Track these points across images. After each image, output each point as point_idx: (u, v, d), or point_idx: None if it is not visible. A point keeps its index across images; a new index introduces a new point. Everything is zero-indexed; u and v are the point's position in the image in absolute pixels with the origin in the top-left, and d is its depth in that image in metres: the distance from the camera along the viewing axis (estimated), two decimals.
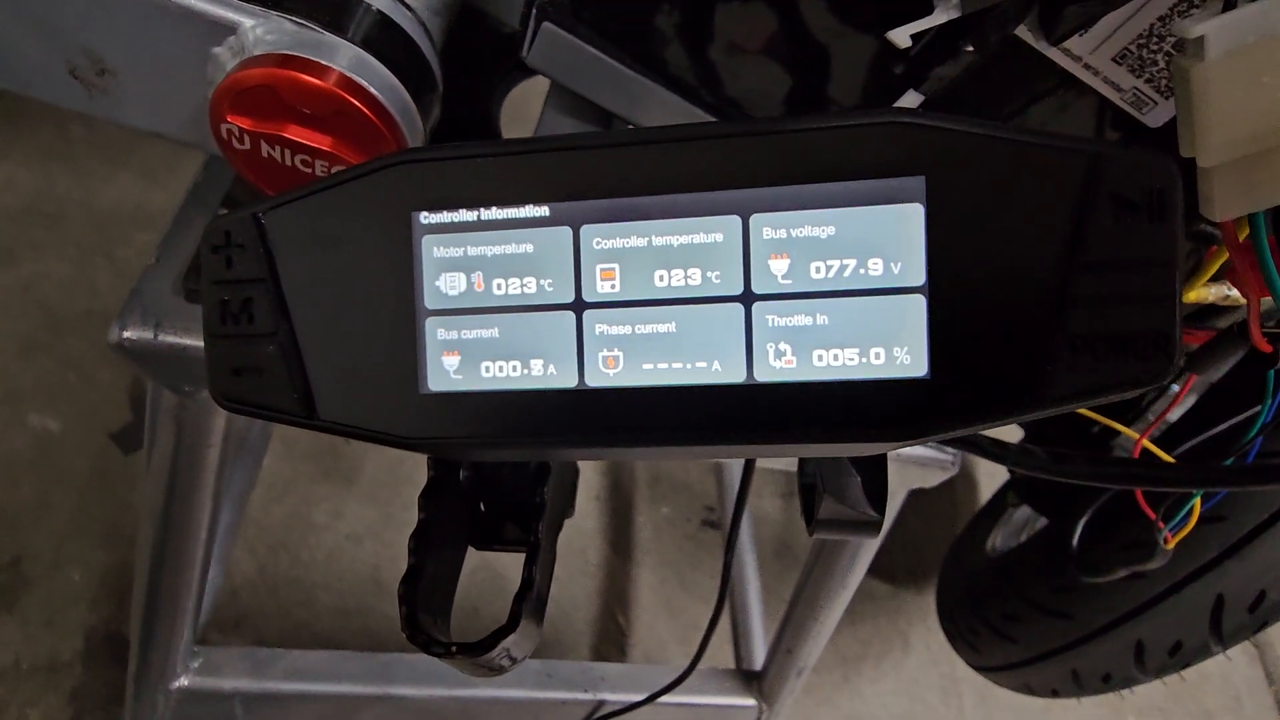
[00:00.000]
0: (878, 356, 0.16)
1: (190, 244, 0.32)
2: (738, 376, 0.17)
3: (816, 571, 0.54)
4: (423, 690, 0.61)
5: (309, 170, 0.25)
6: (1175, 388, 0.68)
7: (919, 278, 0.16)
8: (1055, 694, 0.75)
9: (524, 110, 0.48)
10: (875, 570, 1.16)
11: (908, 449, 0.39)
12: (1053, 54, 0.26)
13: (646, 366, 0.17)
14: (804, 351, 0.16)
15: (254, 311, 0.18)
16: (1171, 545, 0.41)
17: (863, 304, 0.16)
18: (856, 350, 0.16)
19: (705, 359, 0.17)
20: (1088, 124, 0.29)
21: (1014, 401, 0.15)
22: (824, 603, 0.54)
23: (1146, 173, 0.15)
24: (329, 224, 0.18)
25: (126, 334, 0.30)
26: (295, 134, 0.24)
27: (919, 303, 0.16)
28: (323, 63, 0.24)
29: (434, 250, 0.18)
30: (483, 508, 0.25)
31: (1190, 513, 0.38)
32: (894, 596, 1.12)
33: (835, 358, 0.16)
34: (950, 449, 0.40)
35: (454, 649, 0.19)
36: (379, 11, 0.26)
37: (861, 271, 0.16)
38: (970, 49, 0.20)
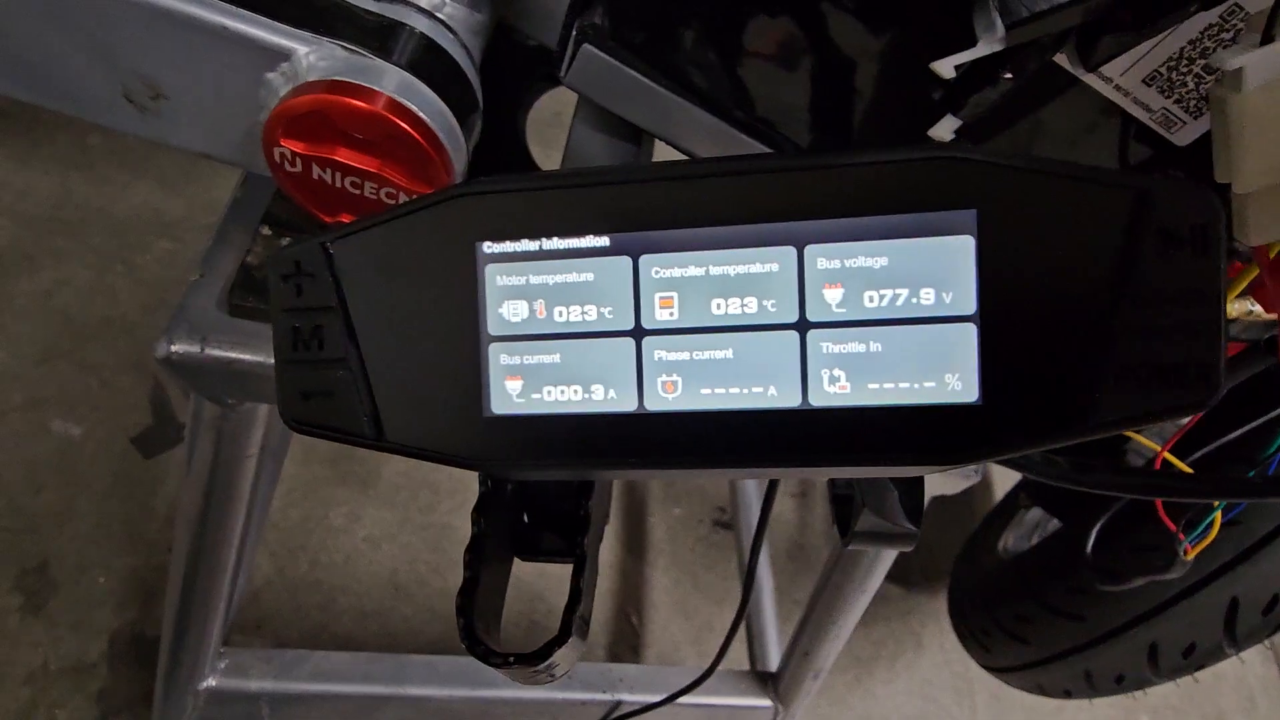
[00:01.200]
0: (930, 383, 0.17)
1: (232, 260, 0.33)
2: (793, 401, 0.17)
3: (836, 575, 0.54)
4: (443, 691, 0.61)
5: (358, 191, 0.26)
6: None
7: (970, 307, 0.16)
8: (1068, 694, 0.75)
9: (542, 116, 0.48)
10: (889, 572, 1.17)
11: None
12: (1086, 78, 0.26)
13: (704, 391, 0.18)
14: (858, 378, 0.17)
15: (324, 338, 0.18)
16: (1191, 556, 0.41)
17: (915, 332, 0.17)
18: (909, 377, 0.17)
19: (761, 384, 0.17)
20: (1114, 141, 0.30)
21: (1062, 427, 0.16)
22: (842, 607, 0.55)
23: (1191, 208, 0.15)
24: (395, 253, 0.18)
25: (174, 348, 0.30)
26: (346, 157, 0.25)
27: (970, 331, 0.16)
28: (372, 87, 0.25)
29: (497, 279, 0.18)
30: (526, 519, 0.25)
31: (1211, 524, 0.39)
32: (907, 597, 1.13)
33: (888, 384, 0.17)
34: None
35: (511, 660, 0.20)
36: (423, 35, 0.27)
37: (914, 301, 0.17)
38: (1009, 76, 0.21)
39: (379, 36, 0.26)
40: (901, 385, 0.17)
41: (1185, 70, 0.26)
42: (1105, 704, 1.07)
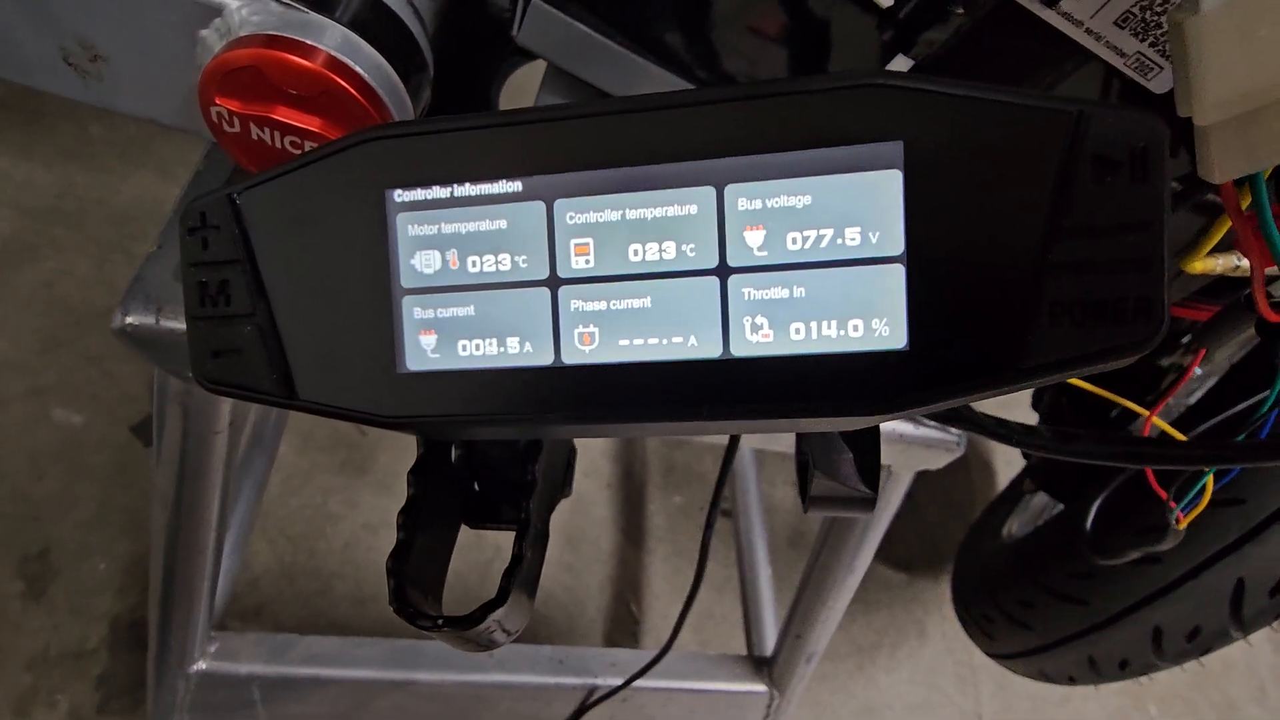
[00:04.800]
0: (856, 328, 0.16)
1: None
2: (714, 351, 0.16)
3: (824, 556, 0.54)
4: (436, 675, 0.61)
5: (299, 151, 0.25)
6: (1199, 370, 0.66)
7: (898, 247, 0.16)
8: (1072, 681, 0.74)
9: (527, 98, 0.47)
10: (891, 559, 1.15)
11: (911, 430, 0.39)
12: (1051, 18, 0.25)
13: (623, 342, 0.17)
14: (781, 325, 0.16)
15: (231, 293, 0.18)
16: (1183, 526, 0.40)
17: (840, 275, 0.16)
18: (835, 322, 0.16)
19: (681, 334, 0.16)
20: (1092, 92, 0.29)
21: (994, 372, 0.15)
22: (831, 587, 0.54)
23: (1130, 130, 0.14)
24: (303, 203, 0.18)
25: (129, 319, 0.30)
26: (283, 115, 0.24)
27: (898, 272, 0.16)
28: (309, 43, 0.24)
29: (408, 228, 0.17)
30: (476, 487, 0.25)
31: (1202, 492, 0.37)
32: (910, 585, 1.11)
33: (813, 330, 0.16)
34: (954, 429, 0.39)
35: (441, 622, 0.19)
36: None
37: (839, 241, 0.16)
38: (960, 10, 0.20)
39: None
40: (826, 332, 0.16)
41: (1160, 10, 0.25)
42: (1113, 693, 1.05)
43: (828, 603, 0.54)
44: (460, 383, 0.17)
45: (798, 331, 0.16)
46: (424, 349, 0.18)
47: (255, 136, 0.25)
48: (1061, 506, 0.78)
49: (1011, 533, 0.89)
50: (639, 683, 0.62)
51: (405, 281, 0.18)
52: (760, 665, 0.69)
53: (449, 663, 0.61)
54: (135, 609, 0.85)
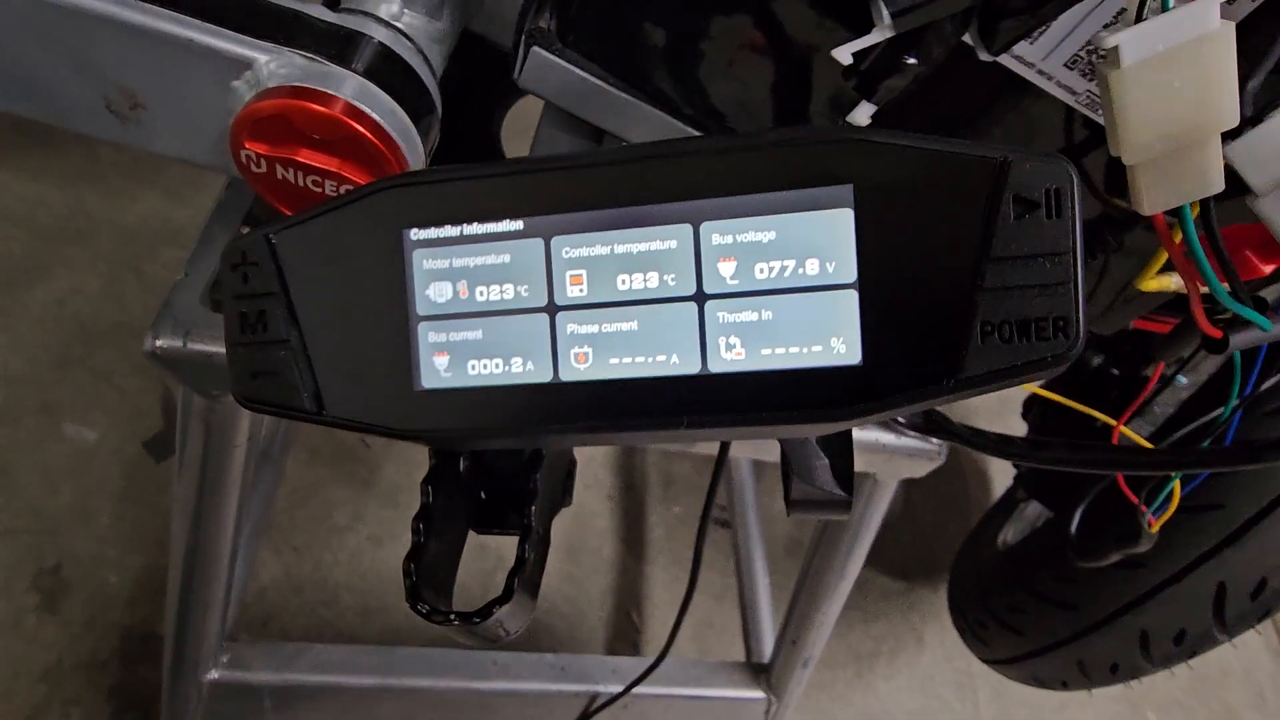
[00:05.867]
0: (816, 347, 0.18)
1: (215, 260, 0.35)
2: (693, 368, 0.19)
3: (816, 563, 0.55)
4: (441, 682, 0.63)
5: (319, 190, 0.28)
6: (1185, 379, 0.68)
7: (851, 275, 0.18)
8: (1065, 686, 0.75)
9: (528, 124, 0.50)
10: (889, 567, 1.17)
11: (893, 440, 0.41)
12: (1005, 60, 0.27)
13: (613, 361, 0.19)
14: (752, 344, 0.18)
15: (268, 321, 0.20)
16: (1155, 529, 0.42)
17: (802, 300, 0.18)
18: (798, 342, 0.18)
19: (664, 353, 0.19)
20: (1056, 129, 0.31)
21: (936, 384, 0.17)
22: (825, 592, 0.56)
23: (1046, 174, 0.16)
24: (331, 241, 0.20)
25: (159, 343, 0.32)
26: (307, 157, 0.27)
27: (851, 297, 0.18)
28: (330, 92, 0.27)
29: (423, 263, 0.20)
30: (483, 496, 0.27)
31: (1171, 496, 0.39)
32: (908, 593, 1.13)
33: (780, 349, 0.18)
34: (935, 439, 0.41)
35: (453, 617, 0.21)
36: (380, 44, 0.29)
37: (800, 271, 0.18)
38: (913, 61, 0.22)
39: (337, 45, 0.28)
40: (791, 350, 0.18)
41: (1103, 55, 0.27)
42: (1110, 699, 1.06)
43: (821, 607, 0.56)
44: (470, 399, 0.20)
45: (766, 350, 0.18)
46: (437, 369, 0.20)
47: (280, 176, 0.27)
48: (1051, 514, 0.80)
49: (1006, 540, 0.91)
50: (639, 690, 0.63)
51: (421, 309, 0.20)
52: (758, 671, 0.70)
53: (454, 670, 0.63)
54: (147, 621, 0.87)
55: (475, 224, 0.19)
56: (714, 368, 0.19)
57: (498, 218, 0.19)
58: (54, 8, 0.25)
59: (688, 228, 0.18)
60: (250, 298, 0.20)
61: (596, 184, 0.19)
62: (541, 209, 0.19)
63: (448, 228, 0.20)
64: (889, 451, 0.40)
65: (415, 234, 0.20)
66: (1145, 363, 0.67)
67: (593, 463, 1.13)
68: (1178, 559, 0.59)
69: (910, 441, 0.40)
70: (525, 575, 0.24)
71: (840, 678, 1.00)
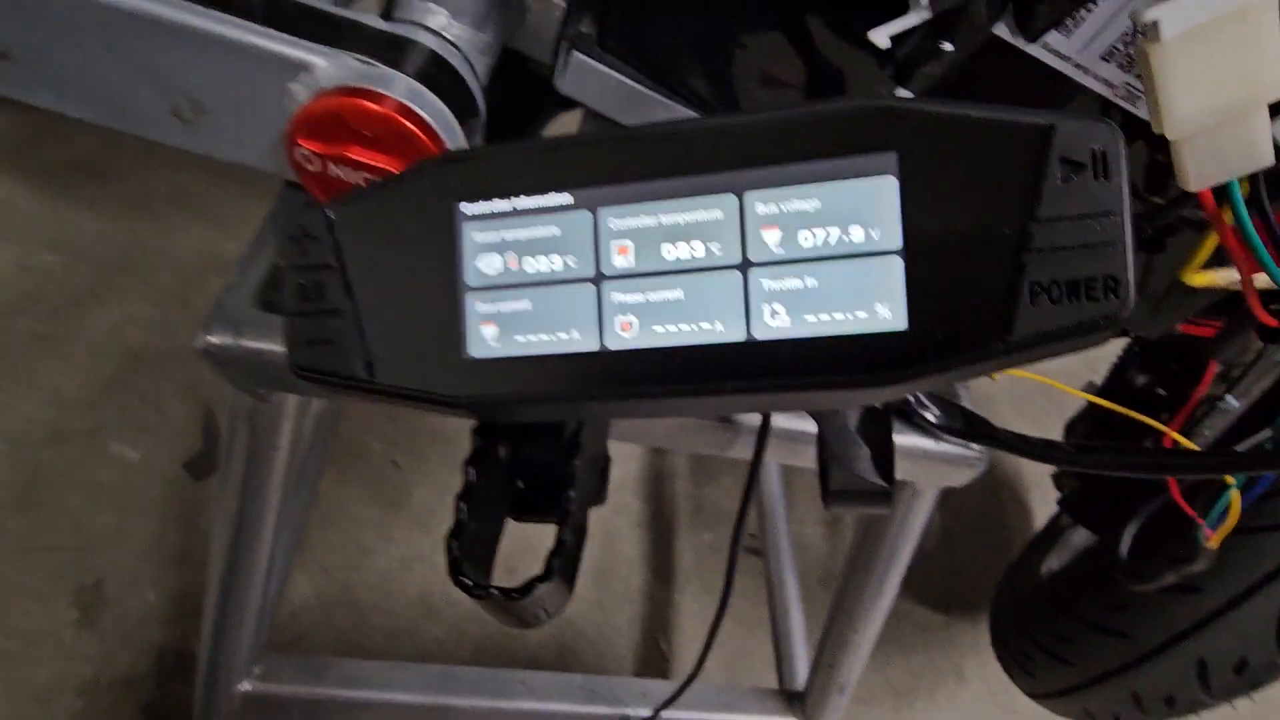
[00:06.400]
0: (862, 313, 0.18)
1: (264, 264, 0.36)
2: (738, 335, 0.19)
3: (853, 581, 0.54)
4: (471, 701, 0.62)
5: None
6: (1234, 401, 0.66)
7: (896, 242, 0.18)
8: None
9: None
10: (926, 599, 1.13)
11: (933, 445, 0.40)
12: (1041, 54, 0.28)
13: (658, 329, 0.19)
14: (796, 311, 0.19)
15: (325, 292, 0.21)
16: (1214, 544, 0.40)
17: (847, 267, 0.18)
18: (843, 308, 0.18)
19: (709, 320, 0.19)
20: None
21: (984, 347, 0.17)
22: (862, 611, 0.54)
23: (1091, 136, 0.17)
24: (386, 217, 0.21)
25: (211, 339, 0.34)
26: (359, 154, 0.28)
27: (897, 264, 0.18)
28: (383, 92, 0.28)
29: (474, 235, 0.20)
30: (521, 485, 0.27)
31: (1229, 506, 0.38)
32: (947, 626, 1.09)
33: (824, 316, 0.18)
34: (976, 445, 0.40)
35: (494, 591, 0.21)
36: (430, 50, 0.30)
37: (845, 238, 0.18)
38: (949, 47, 0.23)
39: (390, 49, 0.29)
40: (836, 316, 0.18)
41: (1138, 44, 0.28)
42: None
43: (858, 627, 0.55)
44: (517, 367, 0.20)
45: (811, 317, 0.18)
46: (485, 338, 0.20)
47: (333, 174, 0.29)
48: (1096, 540, 0.77)
49: (1050, 569, 0.88)
50: (669, 713, 0.62)
51: (470, 280, 0.20)
52: (792, 699, 0.68)
53: (485, 689, 0.62)
54: (182, 639, 0.88)
55: (525, 198, 0.20)
56: (758, 334, 0.19)
57: (547, 191, 0.20)
58: (128, 16, 0.27)
59: (732, 197, 0.19)
60: (309, 269, 0.21)
61: (643, 156, 0.19)
62: (589, 181, 0.20)
63: (498, 201, 0.20)
64: (929, 458, 0.39)
65: (467, 208, 0.20)
66: (1193, 382, 0.65)
67: (621, 489, 1.12)
68: (1237, 582, 0.56)
69: (950, 448, 0.39)
70: (564, 560, 0.24)
71: (877, 713, 0.97)
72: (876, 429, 0.25)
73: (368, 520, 0.99)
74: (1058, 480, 0.78)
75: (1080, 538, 0.87)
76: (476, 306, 0.20)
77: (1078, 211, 0.16)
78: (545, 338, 0.20)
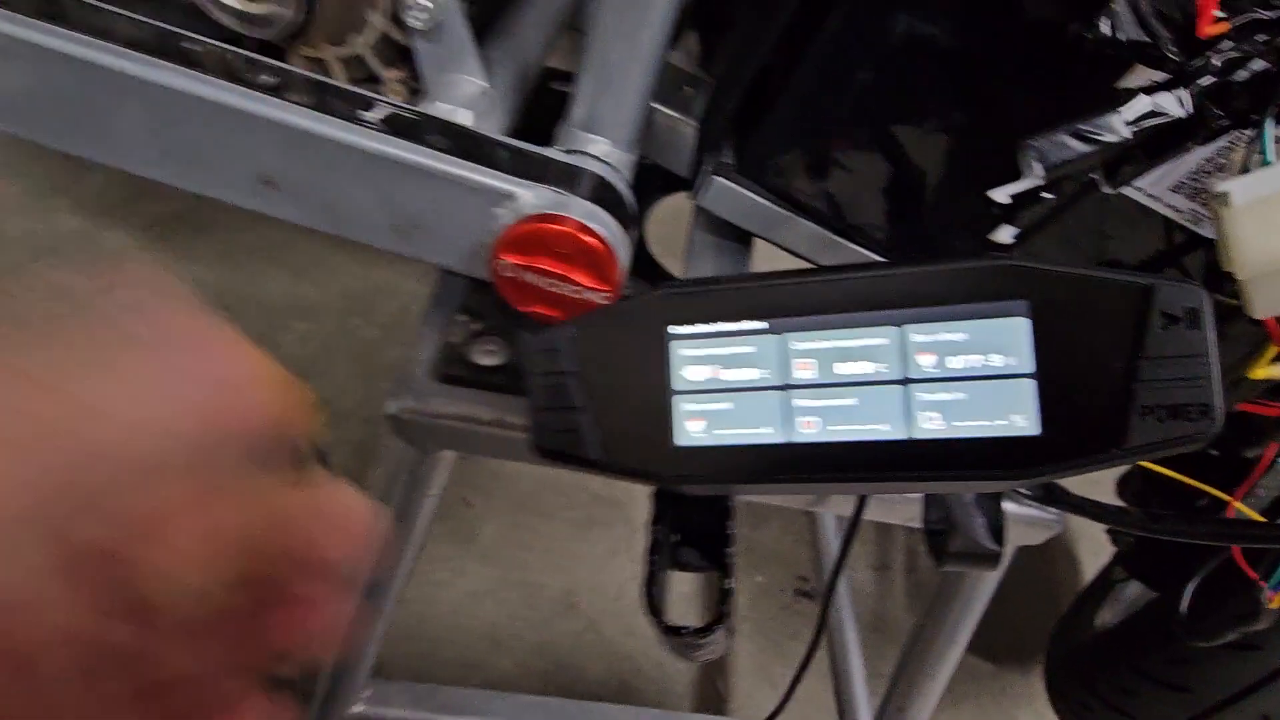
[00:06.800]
0: (1002, 421, 0.23)
1: (436, 340, 0.43)
2: (901, 435, 0.24)
3: (928, 629, 0.58)
4: None
5: (554, 289, 0.35)
6: None
7: (1029, 367, 0.23)
8: None
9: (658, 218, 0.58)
10: (975, 647, 1.14)
11: (1014, 508, 0.45)
12: (1124, 189, 0.33)
13: (834, 428, 0.25)
14: (948, 418, 0.24)
15: (566, 392, 0.27)
16: (1276, 605, 0.43)
17: (989, 385, 0.24)
18: (986, 417, 0.24)
19: (876, 423, 0.25)
20: (1160, 235, 0.37)
21: (1103, 453, 0.22)
22: (934, 660, 0.58)
23: (1184, 297, 0.22)
24: (615, 333, 0.27)
25: (400, 407, 0.40)
26: (549, 265, 0.35)
27: (1031, 385, 0.23)
28: (569, 216, 0.35)
29: (682, 351, 0.26)
30: (678, 539, 0.33)
31: None
32: (997, 676, 1.10)
33: (971, 422, 0.24)
34: (1053, 509, 0.45)
35: (684, 630, 0.27)
36: (597, 175, 0.37)
37: (987, 363, 0.24)
38: (1050, 196, 0.28)
39: (569, 178, 0.36)
40: (981, 422, 0.24)
41: (1203, 180, 0.33)
42: None
43: (931, 674, 0.58)
44: (718, 454, 0.26)
45: (960, 422, 0.24)
46: (691, 431, 0.26)
47: (525, 280, 0.35)
48: (1154, 594, 0.79)
49: (1104, 622, 0.89)
50: None
51: (678, 386, 0.26)
52: None
53: (569, 717, 0.67)
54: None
55: (725, 323, 0.26)
56: (917, 435, 0.24)
57: (744, 319, 0.26)
58: (379, 159, 0.34)
59: (895, 329, 0.25)
60: (554, 374, 0.27)
61: (821, 295, 0.25)
62: (779, 313, 0.25)
63: (702, 325, 0.26)
64: (1011, 519, 0.44)
65: (675, 329, 0.26)
66: (1245, 445, 0.69)
67: None
68: None
69: (1031, 511, 0.44)
70: (729, 608, 0.29)
71: None
72: (990, 500, 0.30)
73: (440, 555, 1.05)
74: (1114, 535, 0.81)
75: (1134, 591, 0.89)
76: (684, 406, 0.26)
77: (1175, 353, 0.22)
78: (741, 432, 0.26)
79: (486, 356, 0.42)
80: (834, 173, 0.36)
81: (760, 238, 0.41)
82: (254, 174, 0.34)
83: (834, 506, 0.48)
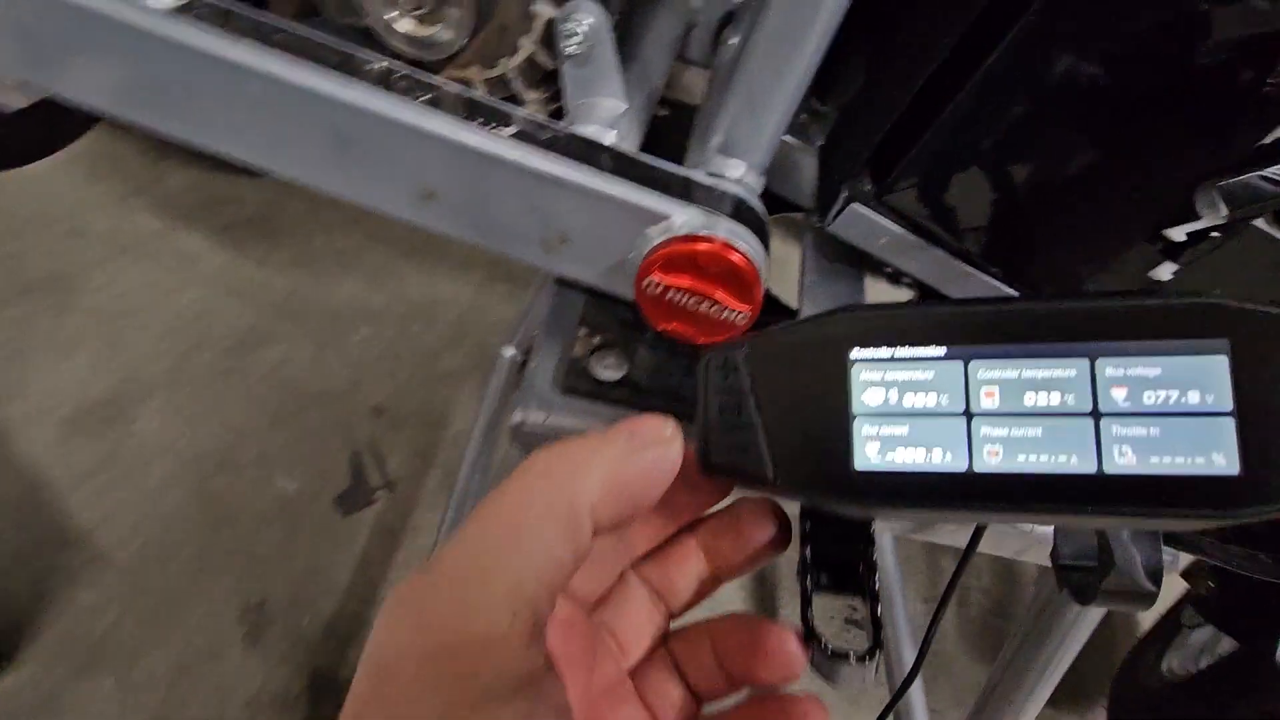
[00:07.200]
0: (1200, 459, 0.23)
1: (557, 352, 0.44)
2: (1090, 469, 0.24)
3: (1016, 663, 0.57)
4: None
5: (698, 307, 0.36)
6: None
7: (1228, 406, 0.23)
8: None
9: None
10: None
11: None
12: (1273, 230, 0.33)
13: (1020, 458, 0.25)
14: (1142, 454, 0.24)
15: (740, 410, 0.27)
16: None
17: (1186, 422, 0.24)
18: (1183, 454, 0.23)
19: (1064, 455, 0.24)
20: None
21: None
22: (1022, 696, 0.57)
23: None
24: (791, 353, 0.27)
25: (525, 419, 0.41)
26: (694, 283, 0.35)
27: (1230, 423, 0.23)
28: (715, 236, 0.35)
29: (861, 374, 0.27)
30: (808, 556, 0.33)
31: None
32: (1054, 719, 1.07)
33: (1166, 459, 0.24)
34: (1171, 549, 0.44)
35: (848, 653, 0.27)
36: (739, 197, 0.38)
37: (1183, 400, 0.24)
38: (1218, 235, 0.28)
39: (715, 199, 0.37)
40: (1177, 460, 0.23)
41: None
42: None
43: (1022, 710, 0.57)
44: (896, 480, 0.26)
45: (1155, 459, 0.24)
46: (869, 455, 0.26)
47: (669, 298, 0.36)
48: (1228, 643, 0.77)
49: (1172, 669, 0.87)
50: None
51: (857, 410, 0.27)
52: None
53: None
54: (333, 665, 0.94)
55: (905, 348, 0.26)
56: (1108, 470, 0.24)
57: (924, 344, 0.26)
58: (542, 177, 0.35)
59: (1085, 361, 0.25)
60: (728, 392, 0.27)
61: (1006, 324, 0.25)
62: (962, 340, 0.26)
63: (883, 349, 0.26)
64: None
65: (857, 353, 0.27)
66: None
67: None
68: None
69: None
70: (884, 635, 0.29)
71: None
72: (1148, 540, 0.30)
73: None
74: (1191, 578, 0.79)
75: (1201, 636, 0.86)
76: (863, 429, 0.26)
77: None
78: (921, 458, 0.26)
79: (606, 370, 0.42)
80: (974, 203, 0.37)
81: (889, 264, 0.41)
82: (418, 187, 0.35)
83: (934, 535, 0.47)
